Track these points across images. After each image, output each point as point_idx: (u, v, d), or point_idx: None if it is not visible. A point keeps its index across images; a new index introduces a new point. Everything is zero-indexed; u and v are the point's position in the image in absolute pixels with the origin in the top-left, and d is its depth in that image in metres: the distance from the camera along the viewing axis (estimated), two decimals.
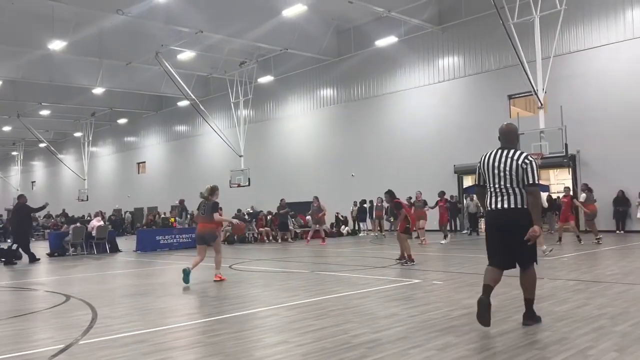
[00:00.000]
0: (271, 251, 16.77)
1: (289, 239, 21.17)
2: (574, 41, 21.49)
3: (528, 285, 5.14)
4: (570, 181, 22.25)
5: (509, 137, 5.19)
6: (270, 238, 21.58)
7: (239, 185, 28.24)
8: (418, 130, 26.29)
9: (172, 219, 19.77)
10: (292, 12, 22.86)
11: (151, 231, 19.85)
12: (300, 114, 32.35)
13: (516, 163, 4.95)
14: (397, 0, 23.51)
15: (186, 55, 28.30)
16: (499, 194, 5.01)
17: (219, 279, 9.13)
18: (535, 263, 5.12)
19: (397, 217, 11.40)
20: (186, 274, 8.67)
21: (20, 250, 14.90)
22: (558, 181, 28.94)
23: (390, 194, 11.50)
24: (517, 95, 23.23)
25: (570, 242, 15.08)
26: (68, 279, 10.89)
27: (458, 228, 23.86)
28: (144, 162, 45.55)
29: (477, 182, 5.35)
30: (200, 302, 7.25)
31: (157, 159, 43.97)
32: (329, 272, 10.17)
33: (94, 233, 17.35)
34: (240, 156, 29.26)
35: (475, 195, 22.12)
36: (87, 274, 11.74)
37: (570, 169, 22.03)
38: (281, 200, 21.63)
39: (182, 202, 23.28)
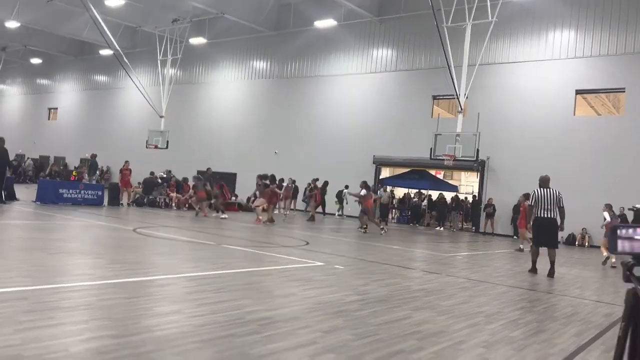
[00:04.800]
0: (181, 219, 16.46)
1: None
2: (499, 53, 22.64)
3: (553, 256, 9.85)
4: (477, 184, 23.61)
5: (547, 182, 9.92)
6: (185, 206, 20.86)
7: (156, 147, 27.28)
8: (344, 117, 26.66)
9: (74, 173, 18.66)
10: None
11: (54, 182, 18.71)
12: (230, 82, 31.69)
13: (556, 195, 9.81)
14: None
15: (115, 1, 26.66)
16: (547, 210, 9.77)
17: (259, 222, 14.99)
18: (557, 246, 10.00)
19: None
20: None
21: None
22: (467, 183, 30.60)
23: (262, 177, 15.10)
24: (441, 97, 24.18)
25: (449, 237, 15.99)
26: None
27: None
28: (56, 108, 42.76)
29: (531, 204, 10.07)
30: (96, 264, 7.00)
31: (70, 106, 41.39)
32: (237, 247, 10.17)
33: None
34: (161, 117, 28.21)
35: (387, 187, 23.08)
36: None
37: (478, 174, 23.37)
38: (207, 169, 21.18)
39: (94, 156, 22.14)
